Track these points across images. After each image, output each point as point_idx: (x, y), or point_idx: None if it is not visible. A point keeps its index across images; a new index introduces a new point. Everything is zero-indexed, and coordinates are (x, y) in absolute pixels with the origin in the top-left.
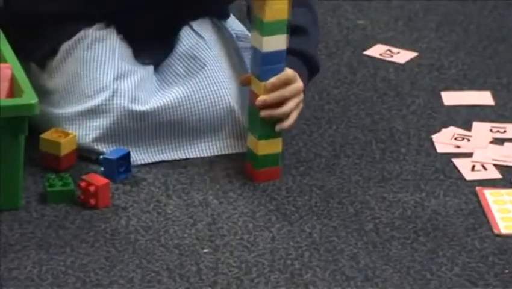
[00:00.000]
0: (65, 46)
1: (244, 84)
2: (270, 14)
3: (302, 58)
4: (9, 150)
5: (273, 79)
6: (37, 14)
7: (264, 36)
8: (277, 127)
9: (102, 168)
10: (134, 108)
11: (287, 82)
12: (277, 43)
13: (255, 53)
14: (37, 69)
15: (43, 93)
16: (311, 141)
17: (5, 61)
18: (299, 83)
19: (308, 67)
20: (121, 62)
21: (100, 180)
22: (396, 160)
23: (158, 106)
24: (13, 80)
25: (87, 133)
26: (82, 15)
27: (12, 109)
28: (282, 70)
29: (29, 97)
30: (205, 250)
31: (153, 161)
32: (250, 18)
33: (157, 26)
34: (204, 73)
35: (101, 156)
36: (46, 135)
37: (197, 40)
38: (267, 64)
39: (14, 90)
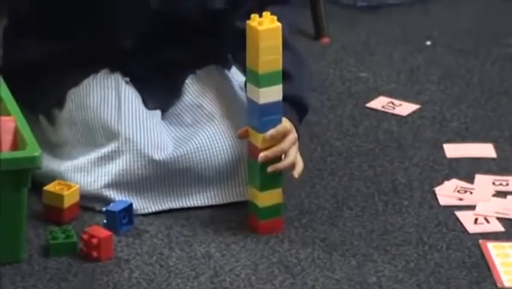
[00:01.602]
0: (71, 95)
1: (242, 138)
2: (265, 66)
3: (289, 102)
4: (12, 203)
5: (272, 131)
6: (39, 65)
7: (260, 88)
8: (296, 175)
9: (105, 221)
10: (143, 155)
11: (285, 134)
12: (273, 94)
13: (251, 105)
14: (46, 123)
15: (52, 146)
16: (313, 193)
17: (9, 114)
18: (294, 134)
19: (296, 109)
20: (129, 109)
21: (102, 232)
22: (398, 212)
23: (167, 156)
24: (17, 133)
25: (95, 179)
26: (84, 63)
27: (15, 162)
28: (279, 120)
29: (32, 149)
30: None
31: (162, 209)
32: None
33: (160, 72)
34: (212, 124)
35: (104, 208)
36: (49, 187)
37: (204, 88)
38: (264, 115)
39: (17, 142)
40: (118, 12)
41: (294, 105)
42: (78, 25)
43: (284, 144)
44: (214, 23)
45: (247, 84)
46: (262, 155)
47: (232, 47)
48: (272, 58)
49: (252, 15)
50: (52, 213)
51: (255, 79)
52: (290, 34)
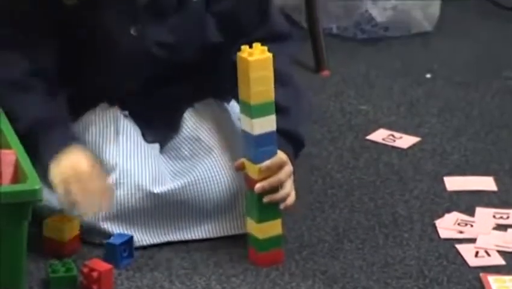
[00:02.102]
0: None
1: (238, 170)
2: (257, 97)
3: (285, 137)
4: (12, 236)
5: (267, 163)
6: None
7: (253, 119)
8: (282, 206)
9: (105, 254)
10: (140, 188)
11: (281, 165)
12: (267, 124)
13: (246, 137)
14: None
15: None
16: (314, 225)
17: (9, 146)
18: (290, 166)
19: (292, 144)
20: (127, 142)
21: (103, 265)
22: (399, 245)
23: (165, 188)
24: (17, 166)
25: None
26: (83, 100)
27: (16, 195)
28: (274, 151)
29: (33, 182)
30: None
31: (160, 242)
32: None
33: (159, 107)
34: (211, 157)
35: (104, 241)
36: (50, 220)
37: (202, 121)
38: (259, 146)
39: (18, 175)
40: (121, 61)
41: (290, 140)
42: (79, 69)
43: (281, 175)
44: (212, 57)
45: (241, 116)
46: (259, 185)
47: (229, 81)
48: (264, 88)
49: (243, 47)
50: (53, 246)
51: (248, 110)
52: (288, 67)
